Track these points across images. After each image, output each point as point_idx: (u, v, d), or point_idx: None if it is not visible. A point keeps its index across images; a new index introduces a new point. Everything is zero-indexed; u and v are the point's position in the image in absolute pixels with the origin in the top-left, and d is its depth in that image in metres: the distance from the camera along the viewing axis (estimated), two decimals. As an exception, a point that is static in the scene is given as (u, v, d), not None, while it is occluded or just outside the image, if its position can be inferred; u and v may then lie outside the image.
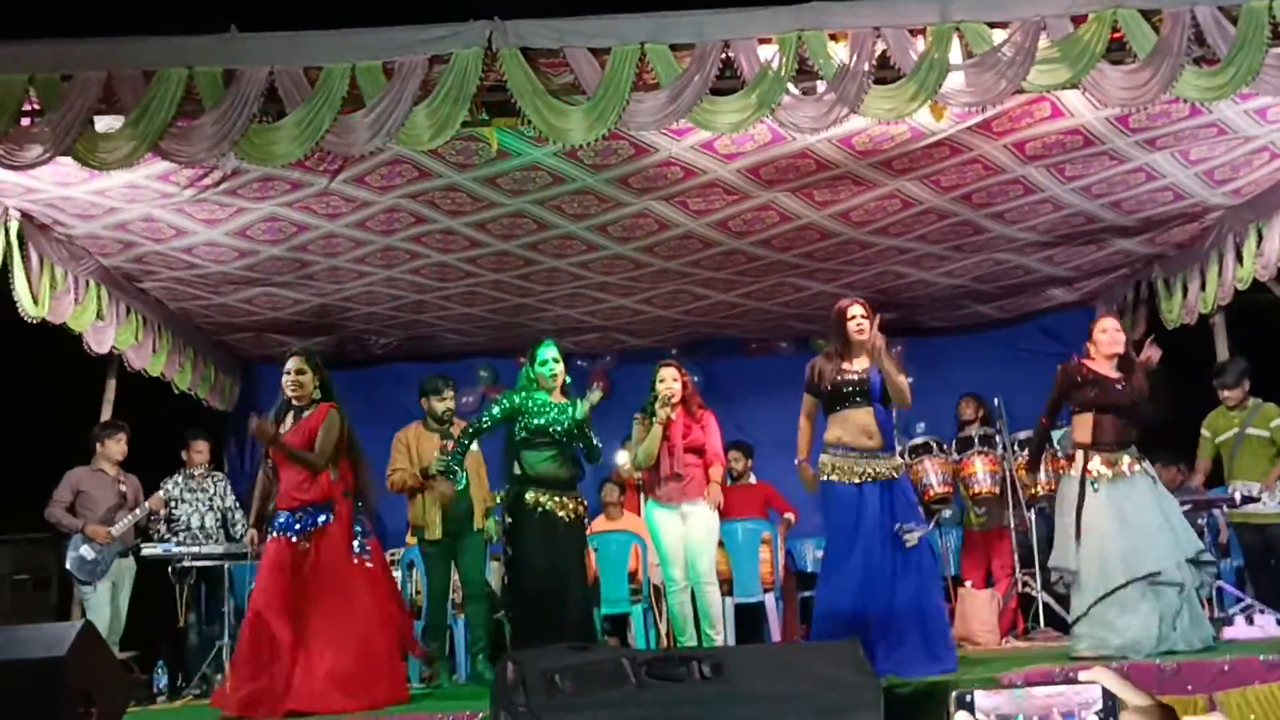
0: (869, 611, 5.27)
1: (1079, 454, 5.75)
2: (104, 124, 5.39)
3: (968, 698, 0.92)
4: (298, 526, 5.48)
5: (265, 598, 5.36)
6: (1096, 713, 0.94)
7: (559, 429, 6.03)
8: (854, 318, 5.60)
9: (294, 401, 5.72)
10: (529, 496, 5.96)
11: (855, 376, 5.54)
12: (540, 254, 7.85)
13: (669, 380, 6.49)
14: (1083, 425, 5.80)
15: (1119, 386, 5.75)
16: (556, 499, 5.98)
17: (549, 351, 6.17)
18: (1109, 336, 5.85)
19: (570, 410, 6.06)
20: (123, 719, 4.96)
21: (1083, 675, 0.97)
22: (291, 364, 5.74)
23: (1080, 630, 5.57)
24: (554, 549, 5.90)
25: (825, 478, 5.53)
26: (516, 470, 6.06)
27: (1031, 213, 7.57)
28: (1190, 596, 5.49)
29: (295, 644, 5.23)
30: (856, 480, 5.45)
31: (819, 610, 5.56)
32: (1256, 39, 5.04)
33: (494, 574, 7.58)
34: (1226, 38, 5.07)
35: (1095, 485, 5.61)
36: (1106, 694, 0.95)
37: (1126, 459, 5.69)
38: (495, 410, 6.16)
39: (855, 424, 5.50)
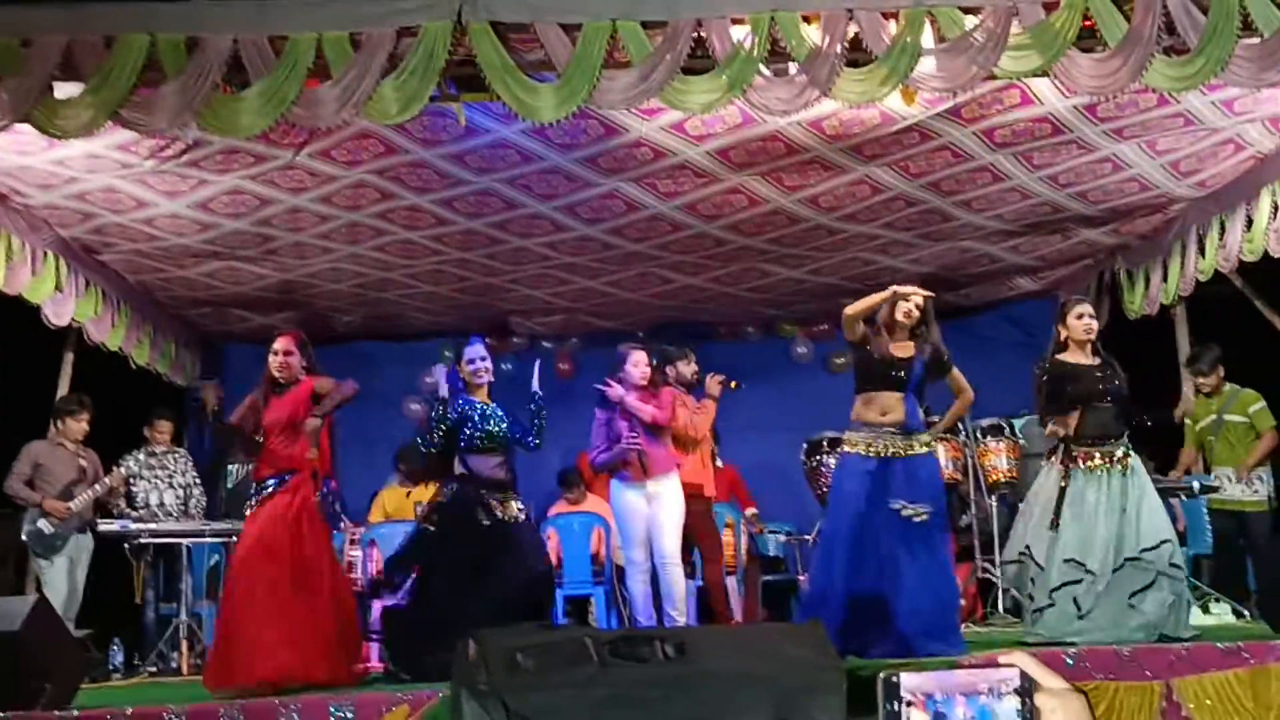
0: (870, 588, 5.23)
1: (1060, 447, 5.68)
2: (64, 91, 5.29)
3: (894, 679, 0.95)
4: (270, 488, 5.49)
5: (248, 573, 5.32)
6: (1014, 691, 0.98)
7: (499, 438, 5.82)
8: (909, 301, 5.55)
9: (278, 381, 5.67)
10: (458, 497, 5.78)
11: (897, 361, 5.51)
12: (507, 233, 7.80)
13: (642, 365, 6.52)
14: (1071, 419, 5.68)
15: (1098, 375, 5.62)
16: (493, 500, 5.73)
17: (473, 350, 5.97)
18: (1085, 323, 5.68)
19: (501, 414, 5.84)
20: (76, 695, 4.90)
21: (1002, 658, 1.01)
22: (280, 344, 5.66)
23: (1042, 618, 5.48)
24: (470, 550, 5.63)
25: (844, 450, 5.52)
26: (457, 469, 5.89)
27: (999, 201, 7.60)
28: (1163, 586, 5.39)
29: (269, 615, 5.21)
30: (872, 454, 5.40)
31: (813, 586, 5.53)
32: (1226, 29, 5.05)
33: None
34: (1197, 27, 5.08)
35: (1075, 476, 5.52)
36: (1024, 675, 0.99)
37: (1108, 451, 5.54)
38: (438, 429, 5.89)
39: (878, 404, 5.47)
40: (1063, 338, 5.75)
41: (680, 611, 6.50)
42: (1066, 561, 5.40)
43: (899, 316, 5.54)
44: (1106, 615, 5.33)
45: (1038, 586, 5.52)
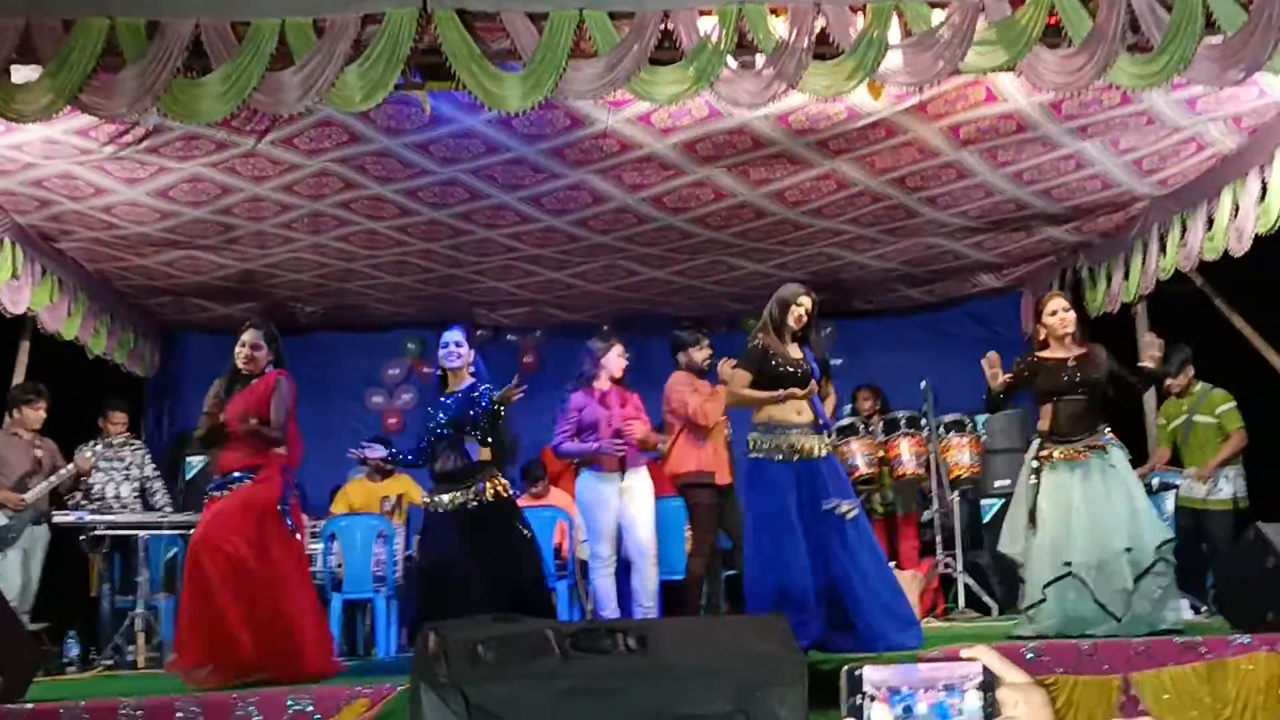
0: (815, 588, 5.23)
1: (1035, 442, 5.70)
2: (21, 75, 5.19)
3: (856, 672, 0.95)
4: (234, 483, 5.41)
5: (213, 571, 5.22)
6: (977, 686, 0.99)
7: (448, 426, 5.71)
8: (800, 306, 5.58)
9: (243, 372, 5.60)
10: (431, 493, 5.73)
11: (798, 364, 5.53)
12: (472, 224, 7.75)
13: (622, 358, 6.71)
14: (1042, 414, 5.71)
15: (1070, 367, 5.62)
16: (450, 493, 5.65)
17: (450, 335, 5.88)
18: (1059, 319, 5.69)
19: (457, 401, 5.73)
20: (29, 688, 4.83)
21: (964, 652, 1.01)
22: (247, 336, 5.60)
23: (1037, 613, 5.45)
24: (448, 544, 5.58)
25: (754, 456, 5.51)
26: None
27: (963, 198, 7.63)
28: (1151, 578, 5.40)
29: (238, 612, 5.14)
30: (786, 458, 5.42)
31: (751, 589, 5.47)
32: (1190, 28, 5.08)
33: None
34: (1160, 25, 5.11)
35: (1051, 470, 5.53)
36: (986, 670, 1.00)
37: (1084, 443, 5.55)
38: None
39: (789, 405, 5.48)
40: (1042, 335, 5.78)
41: (651, 606, 6.49)
42: (1052, 557, 5.40)
43: (790, 322, 5.57)
44: (1098, 609, 5.32)
45: (1028, 583, 5.53)
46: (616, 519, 6.47)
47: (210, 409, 5.63)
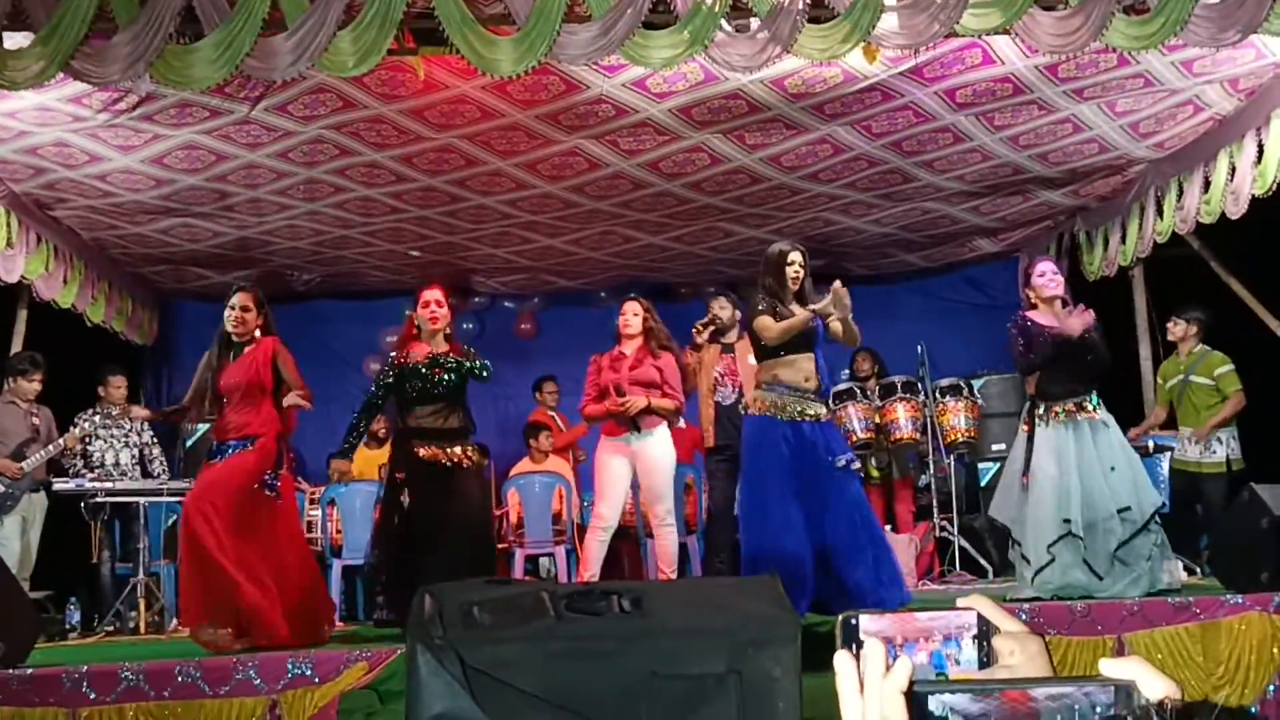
0: (813, 549, 5.26)
1: (1027, 404, 5.74)
2: (13, 41, 5.18)
3: (853, 621, 0.95)
4: (228, 454, 5.44)
5: (208, 531, 5.24)
6: (973, 636, 0.98)
7: (437, 387, 5.73)
8: (792, 264, 5.58)
9: (234, 338, 5.60)
10: (407, 449, 5.72)
11: (805, 321, 5.50)
12: (468, 190, 7.74)
13: (629, 315, 6.50)
14: (1031, 378, 5.76)
15: (1062, 332, 5.63)
16: (438, 449, 5.67)
17: (430, 294, 5.91)
18: (1046, 280, 5.72)
19: (452, 365, 5.75)
20: (30, 654, 4.86)
21: (960, 601, 1.01)
22: (237, 299, 5.61)
23: (1037, 577, 5.46)
24: (426, 500, 5.59)
25: (753, 414, 5.52)
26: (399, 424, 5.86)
27: (960, 162, 7.61)
28: (1146, 539, 5.44)
29: (232, 569, 5.18)
30: (793, 419, 5.43)
31: (749, 550, 5.50)
32: (1186, -12, 5.06)
33: None
34: (1157, -14, 5.09)
35: (1043, 430, 5.56)
36: (982, 619, 0.99)
37: (1075, 403, 5.59)
38: (378, 386, 5.87)
39: (798, 368, 5.50)
40: (1031, 299, 5.82)
41: (670, 572, 6.44)
42: (1052, 514, 5.43)
43: (788, 281, 5.57)
44: (1087, 569, 5.36)
45: (1029, 545, 5.54)
46: (622, 483, 6.42)
47: (198, 383, 5.68)
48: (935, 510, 8.10)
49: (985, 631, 0.98)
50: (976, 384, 8.30)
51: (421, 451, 5.61)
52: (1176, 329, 7.49)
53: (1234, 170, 6.89)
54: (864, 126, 6.96)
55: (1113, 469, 5.47)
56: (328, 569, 7.62)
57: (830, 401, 7.85)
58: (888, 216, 8.73)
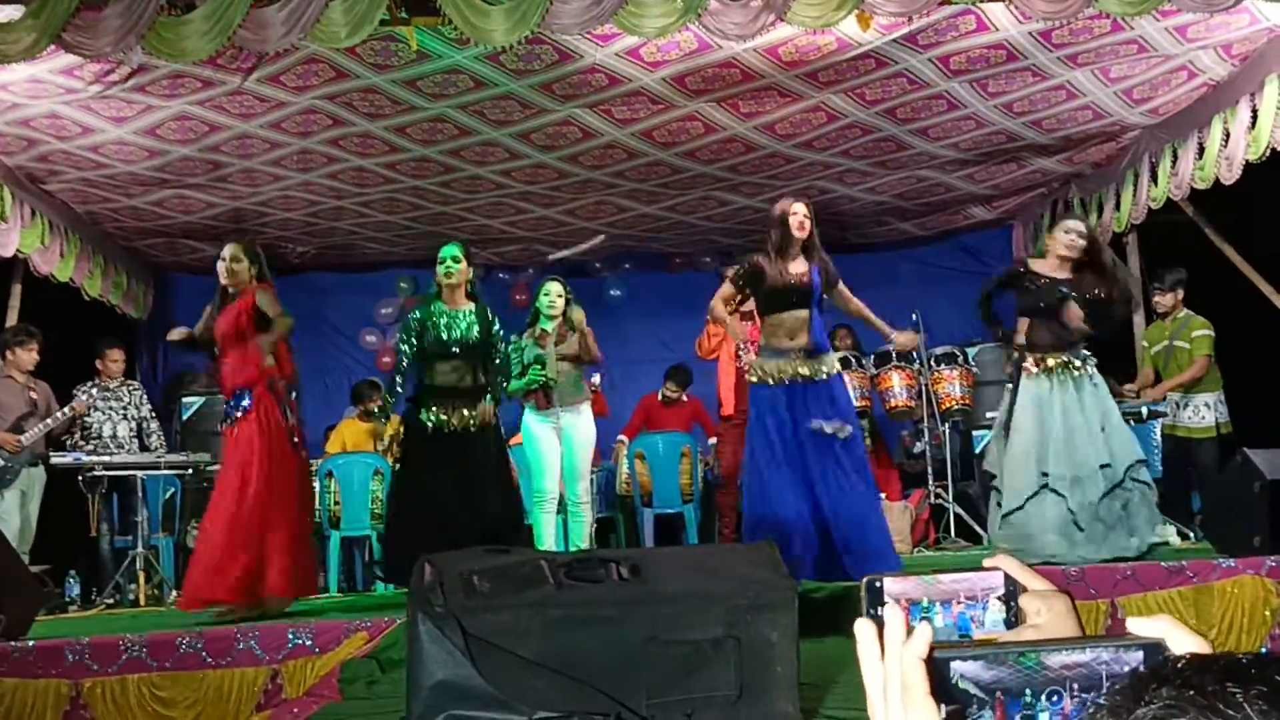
0: (806, 514, 5.26)
1: (1015, 355, 5.76)
2: (4, 14, 5.15)
3: (877, 584, 0.94)
4: (237, 414, 5.48)
5: (232, 494, 5.36)
6: (999, 597, 0.97)
7: (458, 343, 5.76)
8: (796, 214, 5.52)
9: (229, 290, 5.64)
10: (423, 410, 5.73)
11: (795, 280, 5.49)
12: (462, 160, 7.72)
13: (553, 295, 6.40)
14: (1020, 326, 5.78)
15: (1057, 288, 5.63)
16: (456, 411, 5.71)
17: (450, 251, 5.89)
18: (1068, 239, 5.68)
19: (472, 319, 5.79)
20: (31, 626, 4.89)
21: (986, 562, 1.01)
22: (228, 251, 5.67)
23: (1000, 534, 5.56)
24: (441, 463, 5.63)
25: (751, 381, 5.53)
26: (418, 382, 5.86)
27: (954, 129, 7.60)
28: (1130, 500, 5.47)
29: (260, 535, 5.30)
30: (779, 382, 5.43)
31: (750, 517, 5.52)
32: (1180, -47, 5.05)
33: None
34: (1151, -49, 5.08)
35: (1029, 380, 5.58)
36: (1008, 579, 0.98)
37: (1061, 358, 5.60)
38: (404, 344, 5.88)
39: (786, 326, 5.47)
40: (1047, 247, 5.83)
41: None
42: (1028, 465, 5.46)
43: (794, 232, 5.51)
44: (1069, 519, 5.39)
45: (1005, 490, 5.57)
46: (558, 456, 6.39)
47: (200, 331, 5.80)
48: (930, 478, 8.13)
49: (1012, 591, 0.98)
50: (971, 352, 8.31)
51: (438, 414, 5.67)
52: (1165, 300, 7.51)
53: (1228, 136, 6.88)
54: (858, 94, 6.95)
55: (1102, 429, 5.50)
56: (326, 539, 7.66)
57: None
58: (882, 185, 8.73)
